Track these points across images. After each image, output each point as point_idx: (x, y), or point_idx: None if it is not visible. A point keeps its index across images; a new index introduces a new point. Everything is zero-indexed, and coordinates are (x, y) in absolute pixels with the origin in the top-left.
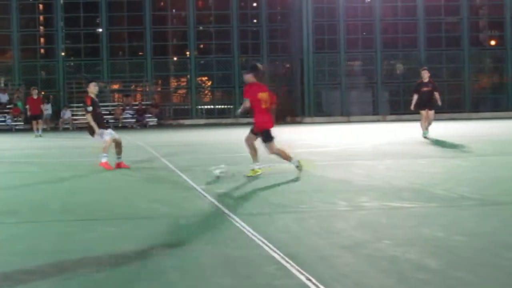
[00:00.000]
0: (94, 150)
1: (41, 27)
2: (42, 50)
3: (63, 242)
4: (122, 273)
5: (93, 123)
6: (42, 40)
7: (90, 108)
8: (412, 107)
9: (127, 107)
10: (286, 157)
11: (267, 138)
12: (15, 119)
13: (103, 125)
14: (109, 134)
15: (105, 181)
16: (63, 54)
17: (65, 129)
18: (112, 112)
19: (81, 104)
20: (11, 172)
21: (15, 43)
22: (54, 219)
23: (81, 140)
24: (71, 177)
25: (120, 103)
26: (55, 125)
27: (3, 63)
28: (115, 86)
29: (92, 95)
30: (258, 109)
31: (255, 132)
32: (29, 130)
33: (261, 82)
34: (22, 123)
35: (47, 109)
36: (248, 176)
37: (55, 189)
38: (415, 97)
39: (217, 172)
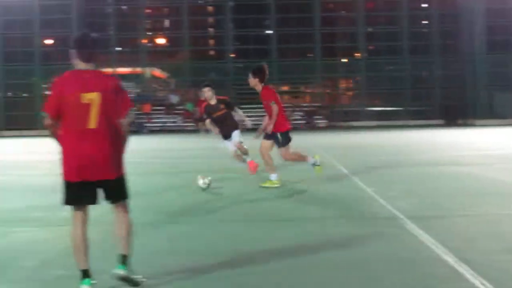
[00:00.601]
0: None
1: (211, 29)
2: (211, 52)
3: (232, 242)
4: (293, 269)
5: (211, 127)
6: (211, 41)
7: (204, 117)
8: None
9: (296, 109)
10: (271, 169)
11: (288, 140)
12: (186, 120)
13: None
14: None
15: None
16: (232, 55)
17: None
18: None
19: (250, 106)
20: (180, 172)
21: (186, 44)
22: (221, 219)
23: (246, 141)
24: (235, 177)
25: (289, 105)
26: None
27: (174, 64)
28: (284, 88)
29: (207, 101)
30: (280, 111)
31: (286, 134)
32: (198, 131)
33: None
34: (193, 124)
35: None
36: (264, 187)
37: (220, 189)
38: None
39: (201, 182)
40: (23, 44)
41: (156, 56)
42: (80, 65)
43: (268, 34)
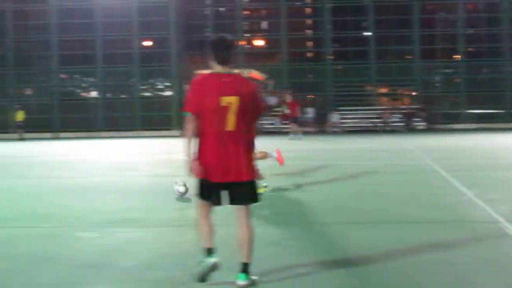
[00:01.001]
0: (348, 154)
1: (309, 31)
2: (309, 54)
3: (336, 244)
4: (388, 272)
5: None
6: (309, 43)
7: None
8: None
9: (395, 111)
10: None
11: None
12: (283, 122)
13: None
14: None
15: (373, 184)
16: (330, 57)
17: (333, 133)
18: (380, 115)
19: (349, 108)
20: (281, 173)
21: (284, 46)
22: (325, 222)
23: (340, 144)
24: (333, 179)
25: (388, 107)
26: (321, 128)
27: (272, 66)
28: (383, 90)
29: None
30: None
31: None
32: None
33: None
34: (289, 126)
35: (309, 112)
36: None
37: (320, 192)
38: None
39: (180, 189)
40: (122, 46)
41: (253, 57)
42: (216, 67)
43: (367, 36)
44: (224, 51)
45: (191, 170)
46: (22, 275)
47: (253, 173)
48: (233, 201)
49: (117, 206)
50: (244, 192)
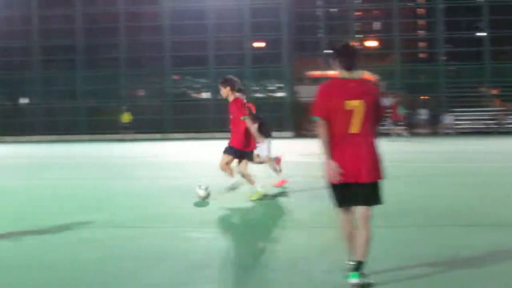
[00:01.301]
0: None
1: (422, 31)
2: (422, 54)
3: (449, 246)
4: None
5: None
6: (422, 44)
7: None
8: None
9: (510, 112)
10: (250, 181)
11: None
12: (396, 123)
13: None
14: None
15: (486, 186)
16: (443, 58)
17: (446, 134)
18: (494, 117)
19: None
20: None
21: (397, 47)
22: (437, 224)
23: (453, 146)
24: (441, 181)
25: (502, 108)
26: (434, 130)
27: (385, 67)
28: (497, 91)
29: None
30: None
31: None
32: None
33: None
34: (405, 127)
35: (421, 114)
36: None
37: (428, 193)
38: None
39: (201, 192)
40: (234, 47)
41: (366, 58)
42: (342, 73)
43: (481, 36)
44: (349, 58)
45: (329, 172)
46: (131, 275)
47: (378, 175)
48: (356, 202)
49: (229, 207)
50: (367, 193)
